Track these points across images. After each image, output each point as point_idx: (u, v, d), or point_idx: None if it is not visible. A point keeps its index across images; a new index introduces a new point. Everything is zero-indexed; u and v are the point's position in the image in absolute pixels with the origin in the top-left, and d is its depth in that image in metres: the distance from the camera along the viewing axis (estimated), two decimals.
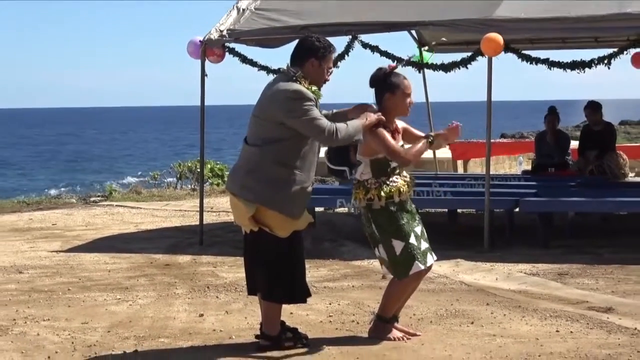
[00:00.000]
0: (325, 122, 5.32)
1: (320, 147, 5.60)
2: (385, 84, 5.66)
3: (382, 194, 5.57)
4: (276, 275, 5.46)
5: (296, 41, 5.64)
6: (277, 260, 5.46)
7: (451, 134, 5.89)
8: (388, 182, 5.62)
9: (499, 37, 8.75)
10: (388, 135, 5.61)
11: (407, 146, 5.73)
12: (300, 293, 5.59)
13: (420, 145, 5.74)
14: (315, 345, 5.60)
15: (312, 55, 5.45)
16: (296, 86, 5.36)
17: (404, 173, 5.74)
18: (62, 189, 24.78)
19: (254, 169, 5.41)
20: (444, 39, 10.02)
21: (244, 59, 10.12)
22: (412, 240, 5.60)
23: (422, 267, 5.65)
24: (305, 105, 5.29)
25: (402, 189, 5.63)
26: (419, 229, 5.68)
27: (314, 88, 5.43)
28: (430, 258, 5.71)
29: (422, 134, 5.92)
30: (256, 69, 10.13)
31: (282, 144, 5.36)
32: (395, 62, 8.58)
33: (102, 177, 33.48)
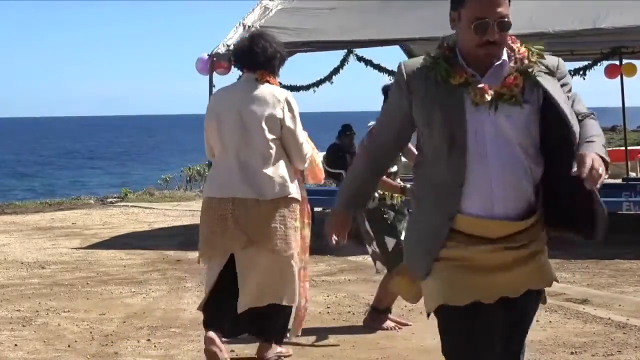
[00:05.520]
0: None
1: None
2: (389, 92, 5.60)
3: (376, 195, 5.57)
4: None
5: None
6: None
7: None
8: None
9: None
10: None
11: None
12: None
13: (393, 183, 5.62)
14: (314, 334, 5.59)
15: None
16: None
17: (398, 180, 5.73)
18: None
19: None
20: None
21: None
22: (403, 237, 5.59)
23: None
24: None
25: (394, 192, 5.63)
26: None
27: None
28: None
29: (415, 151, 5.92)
30: None
31: None
32: None
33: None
